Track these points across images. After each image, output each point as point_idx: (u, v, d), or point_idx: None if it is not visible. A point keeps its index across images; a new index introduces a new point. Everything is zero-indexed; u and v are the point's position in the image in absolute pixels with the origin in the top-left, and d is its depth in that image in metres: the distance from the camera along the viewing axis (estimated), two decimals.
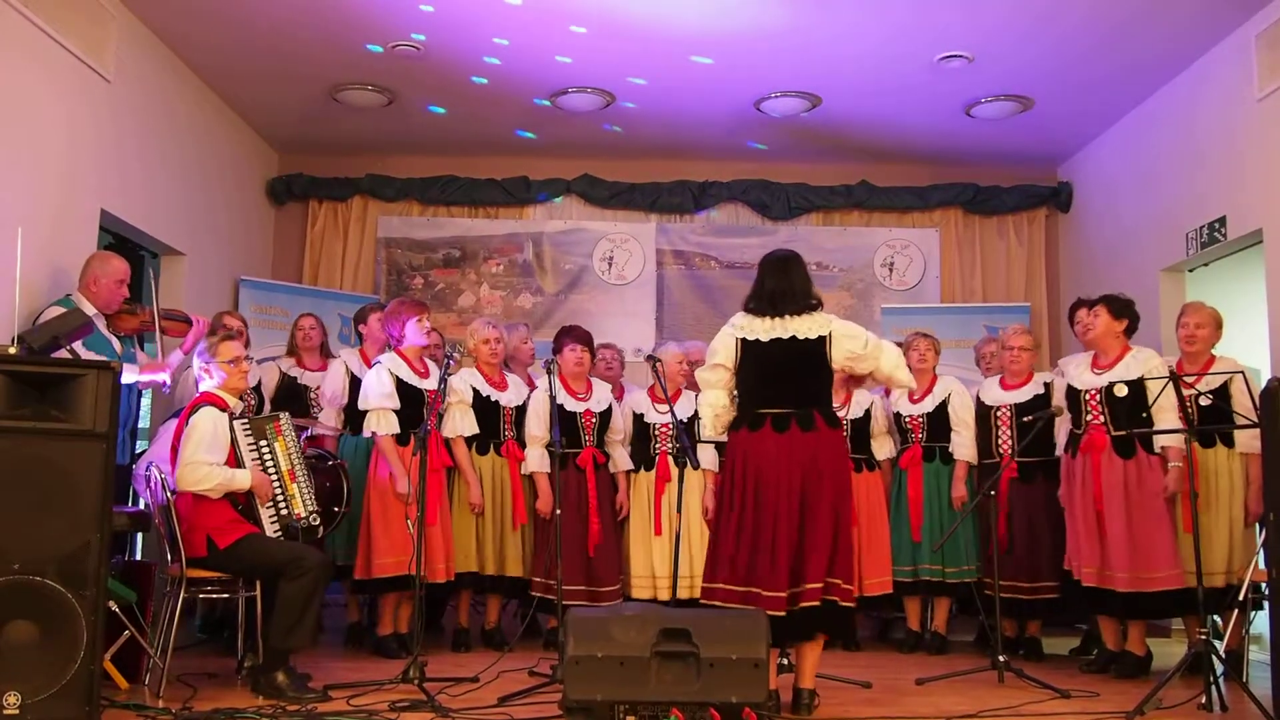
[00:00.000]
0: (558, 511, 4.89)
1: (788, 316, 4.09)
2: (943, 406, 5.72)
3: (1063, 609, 5.42)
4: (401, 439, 5.21)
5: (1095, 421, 5.02)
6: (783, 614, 3.88)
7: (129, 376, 4.82)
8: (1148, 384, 4.82)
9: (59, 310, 4.55)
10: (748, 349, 4.08)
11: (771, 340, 4.07)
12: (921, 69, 6.40)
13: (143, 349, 5.30)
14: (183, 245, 6.50)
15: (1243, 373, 4.75)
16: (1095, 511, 4.94)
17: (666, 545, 5.53)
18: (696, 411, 5.53)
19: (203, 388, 4.50)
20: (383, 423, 5.20)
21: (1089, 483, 4.99)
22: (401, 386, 5.25)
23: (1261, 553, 4.31)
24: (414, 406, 5.26)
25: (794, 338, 4.07)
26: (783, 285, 4.13)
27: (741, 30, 5.95)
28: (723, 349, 4.13)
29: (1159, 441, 4.86)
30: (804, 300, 4.12)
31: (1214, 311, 5.10)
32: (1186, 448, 4.48)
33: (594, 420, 5.57)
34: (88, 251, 5.09)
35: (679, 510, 5.12)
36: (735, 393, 4.18)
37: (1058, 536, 5.28)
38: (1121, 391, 4.92)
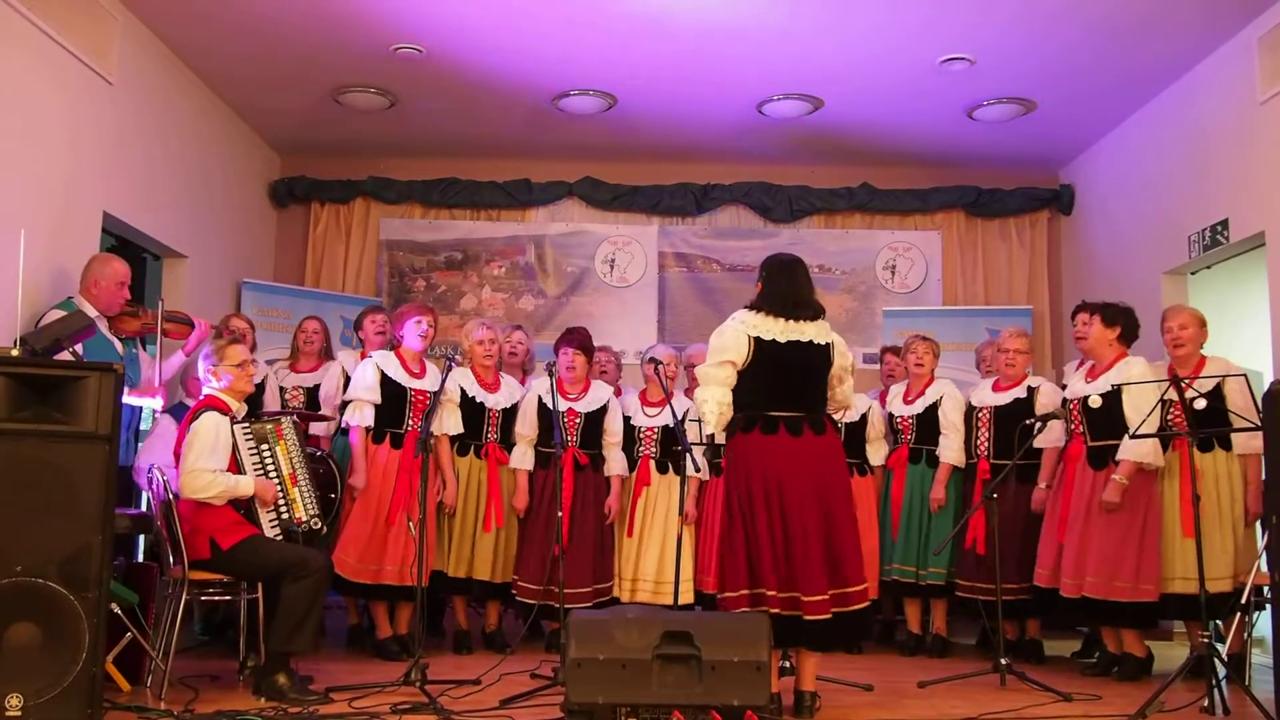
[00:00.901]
0: (559, 514, 4.91)
1: (801, 321, 4.10)
2: (933, 408, 5.71)
3: (1064, 612, 5.41)
4: (378, 436, 5.26)
5: (1077, 431, 5.07)
6: (828, 617, 3.89)
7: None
8: (1125, 392, 4.82)
9: (60, 313, 4.55)
10: (762, 348, 4.04)
11: (788, 342, 4.06)
12: (923, 72, 6.40)
13: (145, 350, 5.31)
14: (185, 248, 6.51)
15: (1244, 375, 4.74)
16: (1060, 519, 5.02)
17: (635, 547, 5.59)
18: (687, 413, 5.58)
19: (206, 391, 4.50)
20: (357, 414, 5.23)
21: (1061, 490, 5.09)
22: (388, 383, 5.28)
23: (1263, 556, 4.31)
24: (398, 404, 5.29)
25: (811, 341, 4.09)
26: (796, 290, 4.15)
27: (744, 33, 5.95)
28: (734, 346, 4.05)
29: (1121, 450, 4.87)
30: (814, 306, 4.16)
31: (1195, 311, 5.12)
32: (1186, 451, 4.50)
33: (577, 420, 5.56)
34: (90, 254, 5.10)
35: (680, 513, 5.12)
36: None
37: (1027, 537, 5.32)
38: (1095, 403, 4.96)
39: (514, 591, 5.46)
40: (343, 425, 5.34)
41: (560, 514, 4.95)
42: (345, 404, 5.40)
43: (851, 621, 4.00)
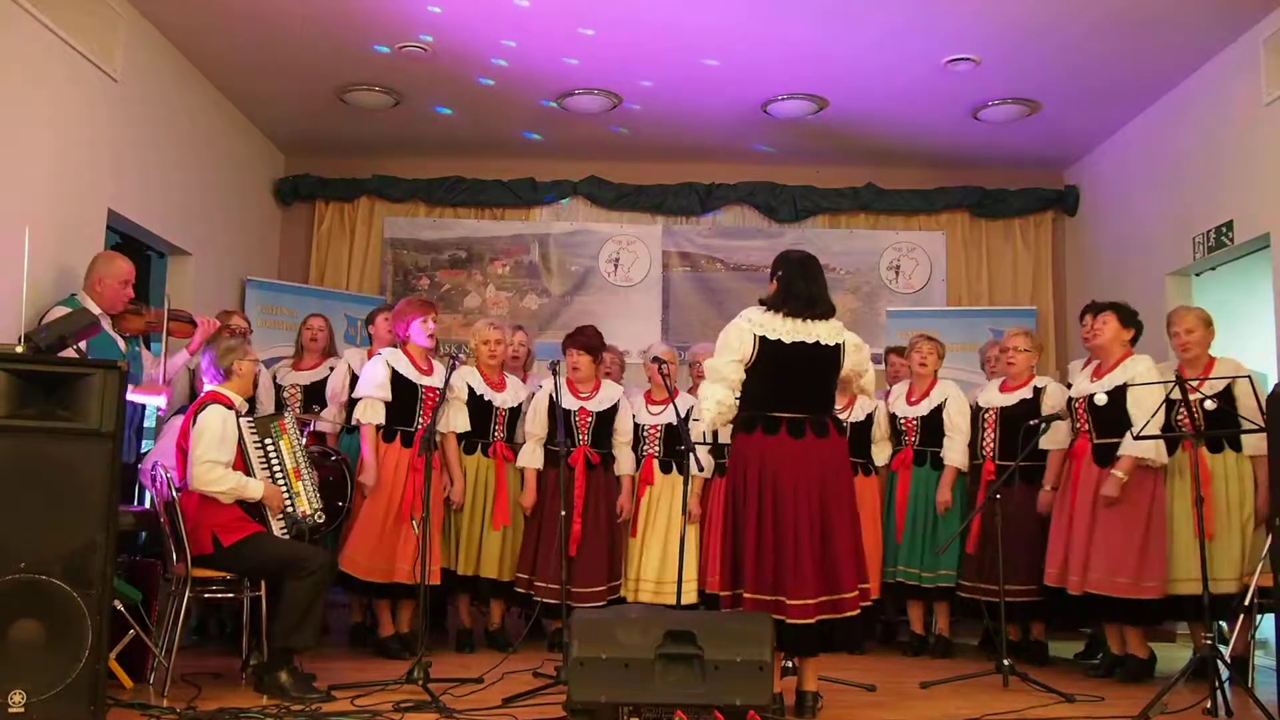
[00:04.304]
0: (563, 513, 4.91)
1: (810, 320, 4.06)
2: (938, 410, 5.70)
3: (1068, 613, 5.41)
4: (389, 435, 5.23)
5: (1083, 429, 5.06)
6: (811, 622, 3.87)
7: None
8: (1129, 391, 4.82)
9: (63, 310, 4.55)
10: (766, 348, 4.01)
11: (794, 343, 4.02)
12: (929, 72, 6.39)
13: (148, 349, 5.31)
14: (189, 245, 6.51)
15: (1249, 376, 4.74)
16: (1069, 516, 5.00)
17: (638, 546, 5.59)
18: (690, 410, 5.56)
19: (210, 387, 4.51)
20: (368, 412, 5.21)
21: (1068, 488, 5.07)
22: (399, 380, 5.26)
23: (1267, 558, 4.30)
24: (409, 402, 5.27)
25: (817, 342, 4.04)
26: (812, 289, 4.10)
27: (749, 32, 5.94)
28: (739, 345, 4.03)
29: (1122, 446, 4.86)
30: (827, 304, 4.13)
31: (1200, 312, 5.10)
32: (1193, 452, 4.50)
33: (589, 420, 5.56)
34: (95, 251, 5.10)
35: (683, 513, 5.12)
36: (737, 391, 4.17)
37: (1033, 539, 5.30)
38: (1101, 400, 4.94)
39: (528, 590, 5.44)
40: (353, 423, 5.32)
41: (572, 513, 4.95)
42: (353, 401, 5.40)
43: (841, 628, 3.95)
